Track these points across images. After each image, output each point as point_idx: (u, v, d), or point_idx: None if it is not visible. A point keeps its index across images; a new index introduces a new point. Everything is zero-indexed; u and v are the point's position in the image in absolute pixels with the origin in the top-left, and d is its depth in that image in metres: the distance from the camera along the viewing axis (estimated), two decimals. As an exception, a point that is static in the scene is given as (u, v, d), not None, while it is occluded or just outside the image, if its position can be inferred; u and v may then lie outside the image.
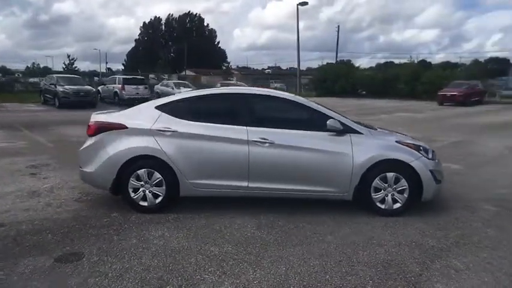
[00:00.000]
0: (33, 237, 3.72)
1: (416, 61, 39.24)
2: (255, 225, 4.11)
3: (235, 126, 4.39)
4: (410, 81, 32.12)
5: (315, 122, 4.47)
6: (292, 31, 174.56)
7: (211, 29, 71.37)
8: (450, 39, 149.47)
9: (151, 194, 4.40)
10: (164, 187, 4.38)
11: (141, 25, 68.96)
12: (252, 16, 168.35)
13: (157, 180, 4.36)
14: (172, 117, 4.45)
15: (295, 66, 40.01)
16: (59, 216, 4.32)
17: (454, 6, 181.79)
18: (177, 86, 24.40)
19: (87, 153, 4.53)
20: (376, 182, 4.34)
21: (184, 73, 52.01)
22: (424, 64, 46.00)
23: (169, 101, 4.67)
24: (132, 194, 4.41)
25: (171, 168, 4.33)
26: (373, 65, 64.00)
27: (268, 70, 67.86)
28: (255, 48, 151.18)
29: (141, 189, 4.40)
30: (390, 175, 4.33)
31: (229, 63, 49.79)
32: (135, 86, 20.49)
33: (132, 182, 4.38)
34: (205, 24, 70.53)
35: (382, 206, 4.39)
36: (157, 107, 4.55)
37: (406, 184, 4.34)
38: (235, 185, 4.39)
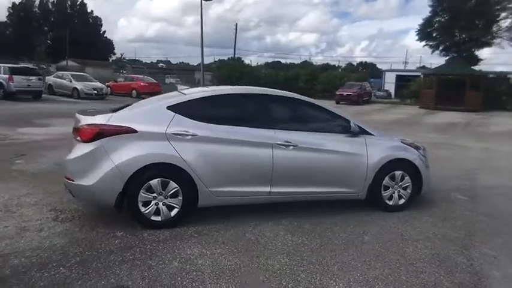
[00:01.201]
0: (44, 275, 2.92)
1: (300, 62, 42.80)
2: (286, 231, 3.94)
3: (259, 129, 4.13)
4: (309, 80, 34.54)
5: (333, 124, 4.50)
6: (181, 25, 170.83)
7: (96, 16, 65.19)
8: (327, 44, 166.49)
9: (165, 207, 3.86)
10: (181, 198, 3.88)
11: (10, 5, 59.23)
12: (140, 6, 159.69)
13: (173, 190, 3.84)
14: (189, 119, 3.96)
15: (186, 61, 39.33)
16: (52, 243, 3.47)
17: (331, 14, 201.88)
18: (77, 78, 21.64)
19: (82, 163, 3.72)
20: (386, 180, 4.57)
21: (66, 63, 46.41)
22: (306, 65, 50.96)
23: (183, 100, 4.12)
24: (143, 209, 3.79)
25: (190, 177, 3.85)
26: (261, 63, 67.11)
27: (162, 64, 65.15)
28: (143, 40, 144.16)
29: (153, 202, 3.81)
30: (398, 173, 4.60)
31: (122, 54, 45.93)
32: (25, 77, 17.51)
33: (143, 194, 3.76)
34: (88, 10, 64.13)
35: (390, 203, 4.65)
36: (170, 108, 3.98)
37: (410, 181, 4.68)
38: (257, 190, 4.13)
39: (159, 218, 3.85)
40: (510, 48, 35.17)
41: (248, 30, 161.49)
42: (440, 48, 32.75)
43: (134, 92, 24.82)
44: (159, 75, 46.85)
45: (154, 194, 3.80)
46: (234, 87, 5.08)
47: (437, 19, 33.29)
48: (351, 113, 20.97)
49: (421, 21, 34.02)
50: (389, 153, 4.59)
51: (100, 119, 3.83)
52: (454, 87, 26.40)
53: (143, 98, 6.76)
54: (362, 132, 4.52)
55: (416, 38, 34.20)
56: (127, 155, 3.70)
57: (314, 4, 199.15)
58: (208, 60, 62.05)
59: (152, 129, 3.82)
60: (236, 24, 50.97)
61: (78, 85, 20.82)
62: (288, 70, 41.58)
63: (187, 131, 3.87)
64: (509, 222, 4.52)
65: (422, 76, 30.15)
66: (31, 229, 3.75)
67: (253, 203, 4.24)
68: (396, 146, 4.73)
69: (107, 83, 25.37)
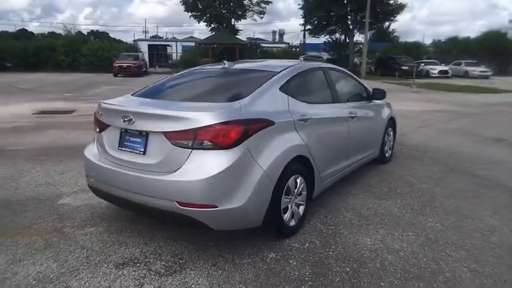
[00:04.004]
0: None
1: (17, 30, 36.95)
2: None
3: (339, 104, 3.97)
4: (71, 52, 30.10)
5: (363, 92, 4.73)
6: None
7: None
8: (42, 8, 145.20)
9: (296, 207, 3.23)
10: (305, 192, 3.32)
11: None
12: None
13: (302, 186, 3.24)
14: (297, 101, 3.31)
15: None
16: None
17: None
18: None
19: (227, 179, 2.55)
20: (385, 137, 5.29)
21: None
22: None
23: (287, 79, 3.32)
24: (284, 216, 3.05)
25: (311, 166, 3.33)
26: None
27: None
28: None
29: (289, 206, 3.12)
30: (389, 130, 5.41)
31: None
32: None
33: (284, 199, 3.00)
34: None
35: (387, 155, 5.43)
36: (282, 89, 3.19)
37: (392, 133, 5.60)
38: (341, 166, 3.98)
39: (293, 223, 3.19)
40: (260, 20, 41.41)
41: None
42: (204, 18, 35.27)
43: None
44: None
45: (290, 196, 3.11)
46: (300, 62, 4.38)
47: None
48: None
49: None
50: (388, 113, 5.30)
51: (229, 112, 2.69)
52: (227, 55, 29.50)
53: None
54: (373, 97, 4.98)
55: (183, 8, 35.19)
56: (271, 155, 2.82)
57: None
58: None
59: (282, 117, 3.02)
60: None
61: None
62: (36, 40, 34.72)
63: (305, 115, 3.29)
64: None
65: (196, 45, 31.90)
66: None
67: (337, 181, 4.07)
68: (387, 106, 5.47)
69: None
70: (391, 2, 33.37)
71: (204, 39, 31.33)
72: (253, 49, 31.54)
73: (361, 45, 33.49)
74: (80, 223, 3.42)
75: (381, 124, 5.02)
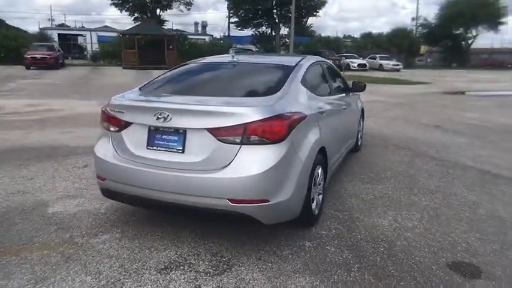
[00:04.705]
0: None
1: None
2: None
3: (334, 96, 4.20)
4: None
5: (343, 84, 4.98)
6: None
7: None
8: None
9: (318, 196, 3.36)
10: (323, 182, 3.47)
11: None
12: None
13: (321, 176, 3.38)
14: (312, 94, 3.42)
15: None
16: None
17: None
18: None
19: (278, 173, 2.57)
20: (359, 125, 5.67)
21: None
22: None
23: (303, 72, 3.37)
24: (312, 205, 3.16)
25: (327, 156, 3.50)
26: None
27: None
28: None
29: (314, 195, 3.23)
30: (360, 119, 5.81)
31: None
32: None
33: (313, 189, 3.13)
34: None
35: (359, 143, 5.82)
36: (302, 82, 3.25)
37: (362, 123, 6.01)
38: (339, 155, 4.21)
39: (316, 211, 3.32)
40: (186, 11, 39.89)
41: None
42: (127, 7, 33.21)
43: None
44: None
45: (315, 186, 3.23)
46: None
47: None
48: (72, 81, 18.79)
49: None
50: (361, 104, 5.69)
51: (275, 107, 2.69)
52: (154, 47, 28.30)
53: None
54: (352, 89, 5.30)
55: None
56: (306, 147, 2.90)
57: None
58: None
59: (309, 110, 3.10)
60: None
61: None
62: None
63: (321, 107, 3.42)
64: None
65: (120, 36, 29.99)
66: None
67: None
68: (359, 97, 5.84)
69: None
70: (314, -2, 35.02)
71: (129, 29, 29.63)
72: (181, 41, 30.71)
73: (286, 39, 34.64)
74: (89, 231, 3.16)
75: (358, 114, 5.39)
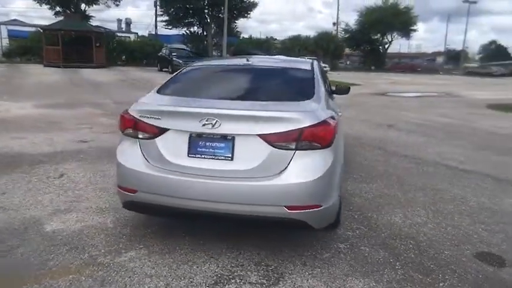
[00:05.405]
0: None
1: None
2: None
3: (333, 99, 4.31)
4: None
5: (329, 87, 5.12)
6: None
7: None
8: None
9: (338, 198, 3.43)
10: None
11: None
12: None
13: (341, 178, 3.46)
14: (328, 96, 3.50)
15: None
16: None
17: None
18: None
19: (328, 178, 2.58)
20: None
21: None
22: None
23: (320, 75, 3.39)
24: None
25: None
26: None
27: None
28: None
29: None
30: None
31: None
32: None
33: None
34: None
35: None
36: (322, 85, 3.30)
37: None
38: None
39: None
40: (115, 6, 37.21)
41: None
42: (46, 1, 30.23)
43: None
44: None
45: (340, 188, 3.30)
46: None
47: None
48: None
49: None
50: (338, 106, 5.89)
51: (322, 111, 2.69)
52: (79, 44, 26.24)
53: None
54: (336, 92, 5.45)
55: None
56: (339, 151, 2.97)
57: None
58: None
59: (336, 113, 3.15)
60: None
61: None
62: None
63: (337, 109, 3.52)
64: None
65: (41, 31, 27.21)
66: None
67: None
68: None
69: None
70: (245, -1, 35.36)
71: (51, 24, 27.03)
72: (110, 39, 28.93)
73: (216, 39, 34.58)
74: (108, 249, 2.86)
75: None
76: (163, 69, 25.34)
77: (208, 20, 35.94)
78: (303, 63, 3.65)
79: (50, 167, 4.77)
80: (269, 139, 2.48)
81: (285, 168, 2.49)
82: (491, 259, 2.91)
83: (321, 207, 2.55)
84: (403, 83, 24.97)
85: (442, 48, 58.61)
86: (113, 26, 49.05)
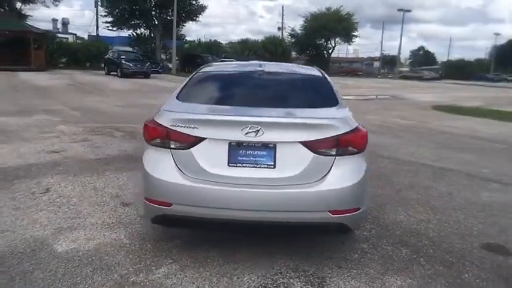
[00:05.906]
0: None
1: None
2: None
3: None
4: None
5: None
6: None
7: None
8: None
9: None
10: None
11: None
12: None
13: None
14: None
15: None
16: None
17: None
18: None
19: (366, 181, 2.72)
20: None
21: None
22: None
23: (332, 82, 3.45)
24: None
25: None
26: None
27: None
28: None
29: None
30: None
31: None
32: None
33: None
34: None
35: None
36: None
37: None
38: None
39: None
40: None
41: None
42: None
43: None
44: None
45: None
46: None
47: None
48: None
49: None
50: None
51: (350, 119, 2.76)
52: (14, 45, 24.20)
53: None
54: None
55: None
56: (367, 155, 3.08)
57: None
58: None
59: (353, 119, 3.26)
60: None
61: None
62: None
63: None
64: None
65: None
66: None
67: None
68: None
69: None
70: (194, 2, 34.93)
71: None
72: (50, 40, 27.06)
73: (163, 42, 33.87)
74: (137, 267, 2.72)
75: None
76: (111, 73, 24.26)
77: (156, 22, 35.01)
78: (311, 69, 3.71)
79: (30, 181, 4.38)
80: (312, 146, 2.51)
81: (327, 173, 2.54)
82: (498, 250, 3.19)
83: (360, 210, 2.64)
84: (352, 87, 26.17)
85: (377, 54, 62.43)
86: (48, 26, 45.91)
